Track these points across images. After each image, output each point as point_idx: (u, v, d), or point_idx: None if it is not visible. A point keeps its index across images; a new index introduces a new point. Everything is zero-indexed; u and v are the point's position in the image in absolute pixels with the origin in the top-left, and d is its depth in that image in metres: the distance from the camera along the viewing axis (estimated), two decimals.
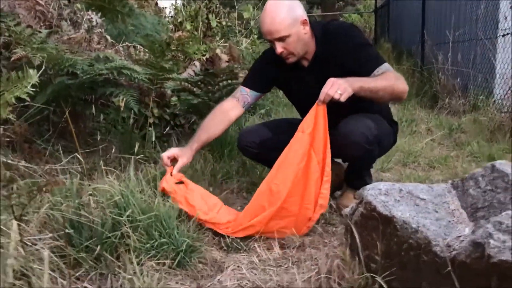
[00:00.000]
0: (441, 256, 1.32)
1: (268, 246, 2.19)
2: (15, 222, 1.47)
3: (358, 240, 1.56)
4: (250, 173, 3.36)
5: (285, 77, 2.55)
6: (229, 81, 3.14)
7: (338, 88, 2.06)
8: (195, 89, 3.08)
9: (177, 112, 3.71)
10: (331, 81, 2.10)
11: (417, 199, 1.50)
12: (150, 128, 3.25)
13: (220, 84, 3.08)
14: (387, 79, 2.23)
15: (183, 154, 2.41)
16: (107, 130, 3.05)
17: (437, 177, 3.25)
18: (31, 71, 1.85)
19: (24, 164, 2.21)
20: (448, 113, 5.55)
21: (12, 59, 2.11)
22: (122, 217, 1.88)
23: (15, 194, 1.67)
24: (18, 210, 1.65)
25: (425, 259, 1.37)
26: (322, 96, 2.10)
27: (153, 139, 3.16)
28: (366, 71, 2.27)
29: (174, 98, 3.17)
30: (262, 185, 2.24)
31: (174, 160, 2.42)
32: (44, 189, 1.61)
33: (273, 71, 2.55)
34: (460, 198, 1.52)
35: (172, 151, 2.41)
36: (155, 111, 3.50)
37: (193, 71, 3.63)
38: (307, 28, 2.36)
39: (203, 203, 2.34)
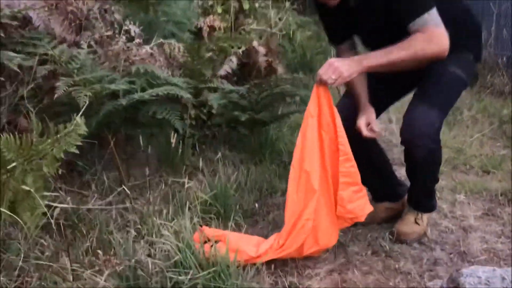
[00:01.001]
0: None
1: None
2: None
3: None
4: None
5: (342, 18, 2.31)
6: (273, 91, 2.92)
7: (333, 72, 1.99)
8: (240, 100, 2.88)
9: (214, 111, 3.51)
10: (328, 63, 2.02)
11: None
12: (189, 130, 3.10)
13: (264, 93, 2.87)
14: (408, 46, 2.00)
15: (368, 112, 2.26)
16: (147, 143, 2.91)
17: (494, 185, 3.06)
18: (79, 119, 1.68)
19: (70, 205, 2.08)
20: (490, 93, 5.25)
21: (56, 96, 1.94)
22: (181, 276, 1.75)
23: None
24: None
25: None
26: (317, 77, 2.05)
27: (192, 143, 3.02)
28: (403, 20, 2.04)
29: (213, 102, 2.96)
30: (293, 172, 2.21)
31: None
32: None
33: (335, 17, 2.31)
34: None
35: (363, 119, 2.23)
36: (192, 112, 3.32)
37: (230, 67, 3.41)
38: None
39: (246, 242, 2.22)
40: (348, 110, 2.29)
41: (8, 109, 2.38)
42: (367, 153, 2.40)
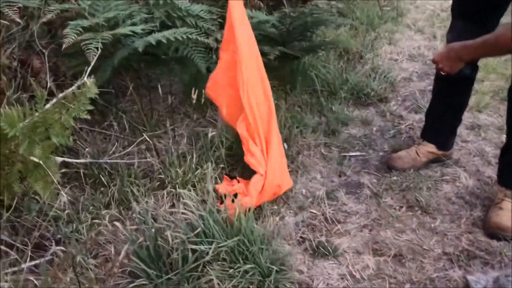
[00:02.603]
0: None
1: (359, 249, 1.97)
2: None
3: None
4: (328, 113, 3.01)
5: None
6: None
7: (444, 66, 2.00)
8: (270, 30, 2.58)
9: None
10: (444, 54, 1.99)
11: None
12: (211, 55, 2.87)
13: (296, 22, 2.56)
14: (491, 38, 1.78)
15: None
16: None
17: None
18: (87, 81, 1.51)
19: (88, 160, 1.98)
20: None
21: (64, 46, 1.75)
22: (203, 245, 1.67)
23: None
24: None
25: None
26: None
27: None
28: None
29: None
30: None
31: None
32: None
33: None
34: None
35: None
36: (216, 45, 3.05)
37: None
38: None
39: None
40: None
41: (19, 48, 2.21)
42: (455, 89, 2.30)
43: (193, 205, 1.70)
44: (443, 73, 2.03)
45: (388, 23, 4.60)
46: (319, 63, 3.37)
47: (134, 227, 1.76)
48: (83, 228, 1.86)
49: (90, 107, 1.52)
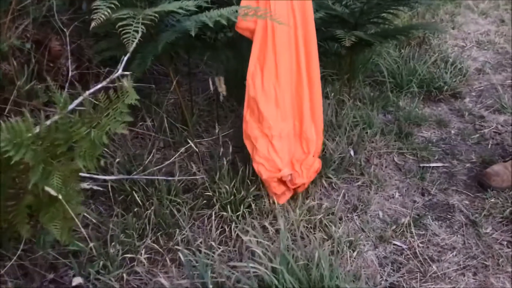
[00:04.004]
0: None
1: None
2: None
3: None
4: (395, 110, 2.53)
5: None
6: None
7: None
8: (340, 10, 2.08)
9: None
10: None
11: None
12: None
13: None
14: None
15: None
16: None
17: None
18: (125, 82, 1.04)
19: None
20: None
21: (91, 26, 1.27)
22: None
23: None
24: None
25: None
26: None
27: None
28: None
29: None
30: None
31: None
32: None
33: None
34: None
35: None
36: None
37: None
38: None
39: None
40: None
41: (34, 25, 1.75)
42: None
43: (260, 253, 1.24)
44: None
45: (447, 4, 4.06)
46: (382, 49, 2.87)
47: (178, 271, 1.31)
48: (111, 265, 1.43)
49: (129, 119, 1.06)
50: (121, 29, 1.24)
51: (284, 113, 1.75)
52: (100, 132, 1.01)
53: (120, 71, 1.29)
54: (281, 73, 1.70)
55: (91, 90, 1.28)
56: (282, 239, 1.33)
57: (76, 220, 1.12)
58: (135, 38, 1.23)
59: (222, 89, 1.76)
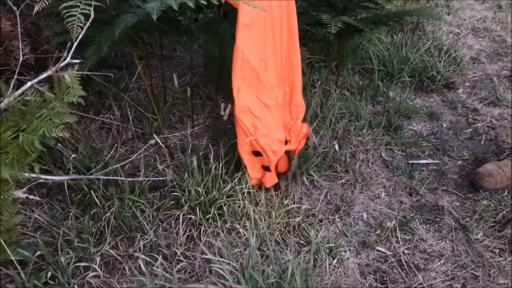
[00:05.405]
0: None
1: None
2: None
3: None
4: (384, 101, 2.38)
5: None
6: None
7: None
8: None
9: None
10: None
11: None
12: None
13: None
14: None
15: None
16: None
17: None
18: (67, 77, 0.87)
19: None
20: None
21: (35, 11, 1.09)
22: None
23: None
24: None
25: None
26: None
27: None
28: None
29: None
30: None
31: None
32: None
33: None
34: None
35: None
36: None
37: None
38: None
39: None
40: None
41: None
42: None
43: (224, 273, 1.10)
44: None
45: None
46: (373, 35, 2.71)
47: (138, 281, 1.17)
48: (62, 275, 1.27)
49: (71, 119, 0.88)
50: (64, 11, 1.06)
51: (279, 79, 1.66)
52: (30, 136, 0.85)
53: (68, 59, 1.12)
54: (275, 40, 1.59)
55: (34, 81, 1.11)
56: (251, 255, 1.18)
57: (12, 233, 0.97)
58: (81, 23, 1.05)
59: (225, 114, 1.62)
